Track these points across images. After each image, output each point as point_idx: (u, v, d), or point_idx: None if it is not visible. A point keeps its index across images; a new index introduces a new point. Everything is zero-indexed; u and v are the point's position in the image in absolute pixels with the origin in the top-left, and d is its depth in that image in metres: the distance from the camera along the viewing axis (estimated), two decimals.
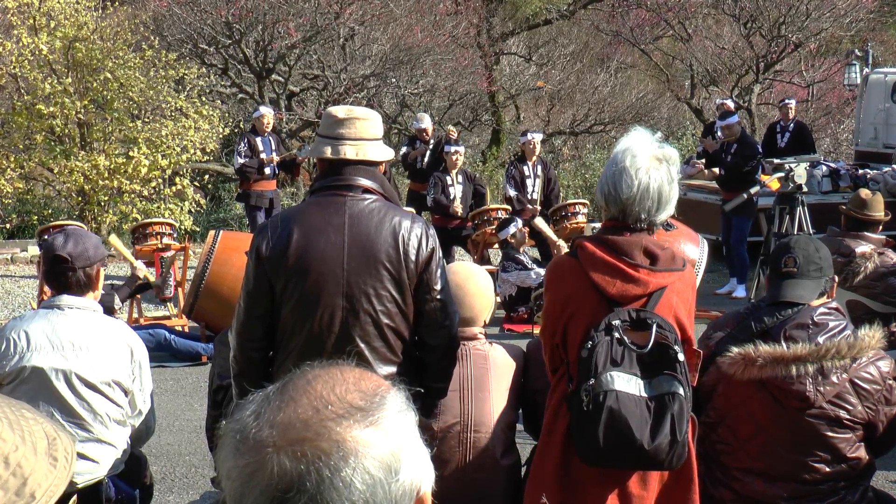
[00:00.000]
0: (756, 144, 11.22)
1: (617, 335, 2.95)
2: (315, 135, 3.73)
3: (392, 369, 3.32)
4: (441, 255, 3.45)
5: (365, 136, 3.42)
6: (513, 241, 9.96)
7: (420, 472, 1.23)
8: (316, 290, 3.30)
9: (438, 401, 3.50)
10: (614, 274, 3.01)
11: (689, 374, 3.00)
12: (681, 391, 2.95)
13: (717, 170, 11.10)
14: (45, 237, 9.09)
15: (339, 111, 3.47)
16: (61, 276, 3.80)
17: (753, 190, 10.09)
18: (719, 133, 11.58)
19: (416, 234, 3.36)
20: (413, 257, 3.33)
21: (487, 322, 3.75)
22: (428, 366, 3.42)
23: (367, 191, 3.39)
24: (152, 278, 8.51)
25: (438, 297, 3.37)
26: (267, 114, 11.71)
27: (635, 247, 3.03)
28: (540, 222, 10.24)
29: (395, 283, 3.32)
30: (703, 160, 12.61)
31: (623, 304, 3.00)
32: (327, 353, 3.27)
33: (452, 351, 3.46)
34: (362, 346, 3.30)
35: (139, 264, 8.26)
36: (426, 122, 12.71)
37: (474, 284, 3.71)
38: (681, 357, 2.96)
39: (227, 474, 1.21)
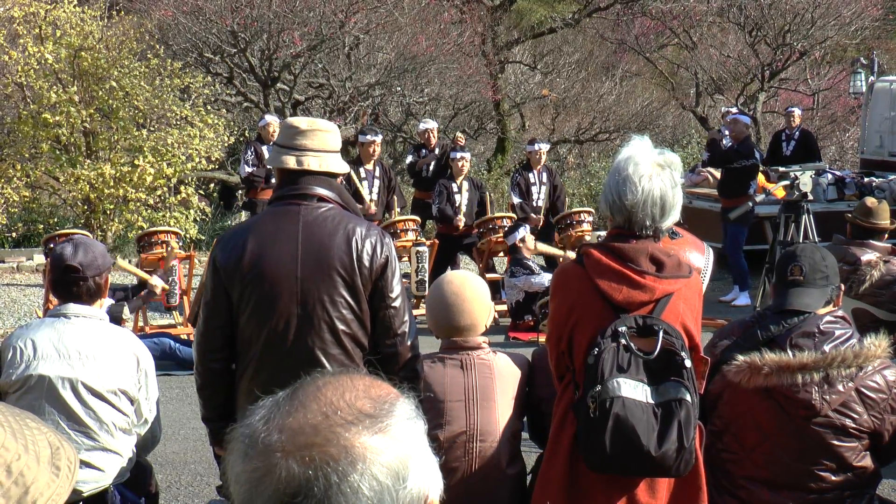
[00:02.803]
0: (754, 148, 11.31)
1: (623, 341, 2.94)
2: (273, 144, 3.73)
3: None
4: (398, 264, 3.46)
5: (327, 147, 3.44)
6: (521, 245, 9.95)
7: (428, 480, 1.23)
8: (270, 298, 3.31)
9: None
10: (620, 280, 3.00)
11: (696, 381, 3.00)
12: (688, 397, 2.94)
13: (710, 177, 11.26)
14: (51, 246, 9.11)
15: (300, 122, 3.49)
16: (72, 285, 3.81)
17: (759, 198, 10.12)
18: (726, 130, 11.79)
19: (370, 241, 3.36)
20: (367, 263, 3.34)
21: (488, 327, 3.74)
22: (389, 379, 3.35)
23: (322, 199, 3.40)
24: (161, 284, 8.51)
25: (393, 304, 3.38)
26: (273, 122, 11.68)
27: (641, 254, 3.03)
28: (542, 246, 10.28)
29: (349, 289, 3.33)
30: (708, 168, 12.64)
31: (629, 311, 3.00)
32: (285, 361, 3.28)
33: (410, 363, 3.42)
34: (319, 353, 3.30)
35: (156, 280, 8.34)
36: (430, 124, 12.72)
37: (470, 290, 3.68)
38: (687, 363, 2.95)
39: (235, 479, 1.21)
